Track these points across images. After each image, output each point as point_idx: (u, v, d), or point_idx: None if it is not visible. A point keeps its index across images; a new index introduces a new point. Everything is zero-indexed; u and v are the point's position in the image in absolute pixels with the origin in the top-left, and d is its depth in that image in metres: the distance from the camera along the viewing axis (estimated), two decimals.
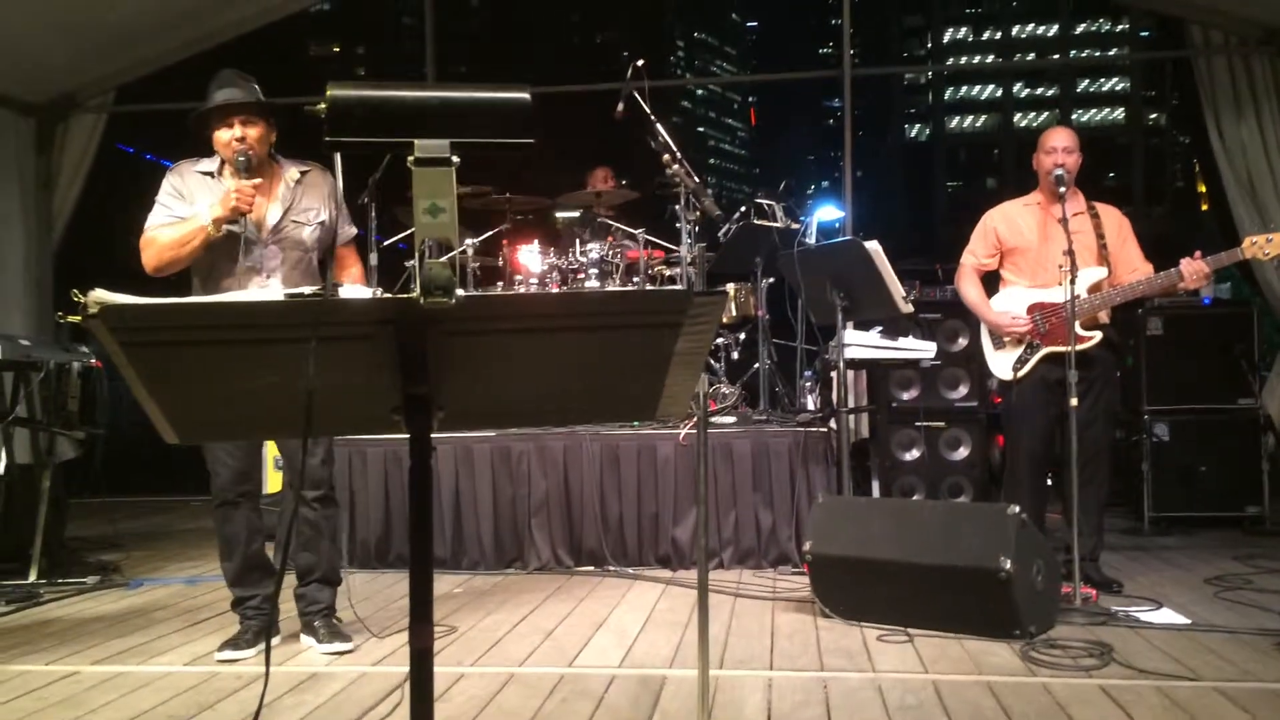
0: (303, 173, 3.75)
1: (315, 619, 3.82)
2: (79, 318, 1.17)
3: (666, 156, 4.15)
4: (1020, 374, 4.46)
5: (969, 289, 4.68)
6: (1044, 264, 4.44)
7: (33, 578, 4.84)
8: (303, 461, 1.62)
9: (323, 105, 1.21)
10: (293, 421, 1.26)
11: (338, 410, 1.40)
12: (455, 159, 1.21)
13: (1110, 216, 4.50)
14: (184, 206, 3.59)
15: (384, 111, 1.23)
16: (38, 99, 7.47)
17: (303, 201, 3.72)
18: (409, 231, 6.16)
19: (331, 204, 3.77)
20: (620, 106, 5.13)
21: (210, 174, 3.65)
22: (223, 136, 3.57)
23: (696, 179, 5.09)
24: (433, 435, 1.41)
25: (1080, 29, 77.06)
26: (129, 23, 6.98)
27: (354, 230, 3.97)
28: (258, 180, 3.53)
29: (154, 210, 3.62)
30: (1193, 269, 4.17)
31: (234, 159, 3.51)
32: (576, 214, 6.74)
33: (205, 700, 3.19)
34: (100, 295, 1.18)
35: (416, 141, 1.20)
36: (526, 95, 1.26)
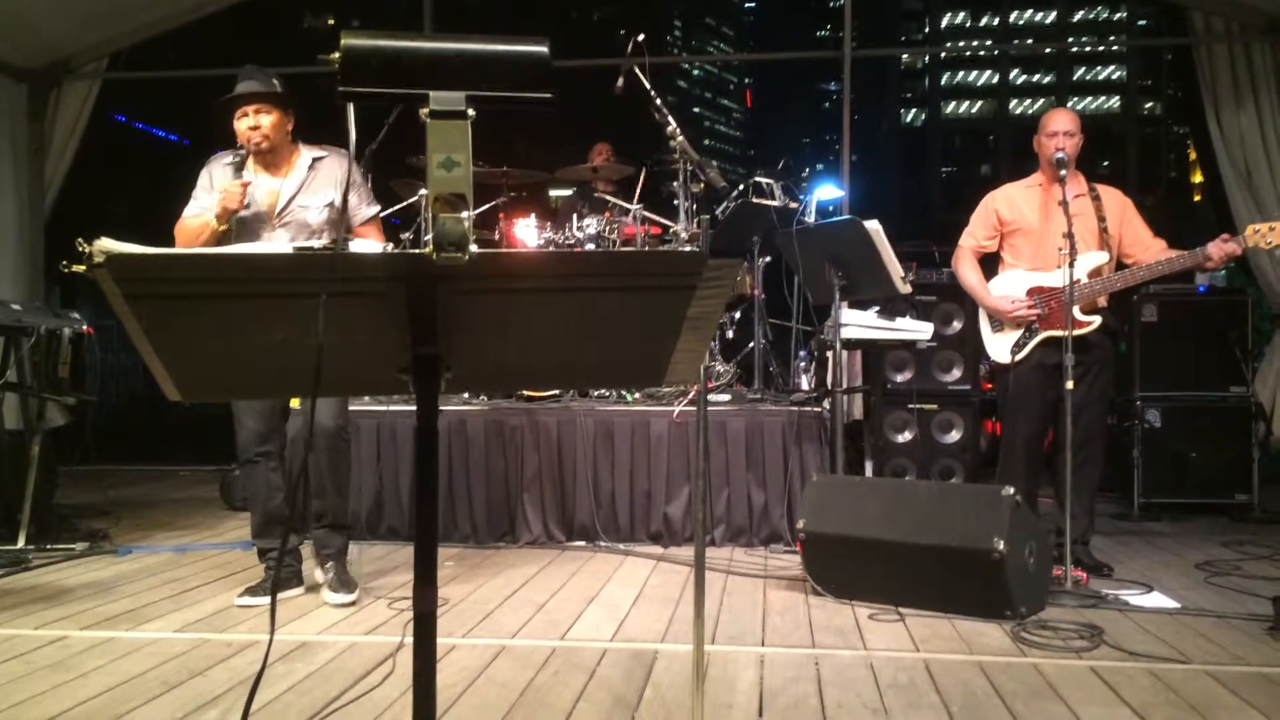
0: (317, 158, 3.96)
1: (326, 561, 4.09)
2: (83, 267, 1.15)
3: (670, 129, 4.12)
4: (1018, 358, 4.46)
5: (967, 272, 4.66)
6: (1044, 246, 4.42)
7: (21, 543, 4.82)
8: (311, 419, 1.60)
9: (336, 55, 1.19)
10: (298, 380, 1.24)
11: (344, 370, 1.37)
12: (471, 112, 1.19)
13: (1112, 198, 4.49)
14: (209, 198, 3.85)
15: (399, 62, 1.20)
16: (31, 65, 7.40)
17: (313, 185, 3.93)
18: (405, 204, 6.13)
19: (344, 186, 3.95)
20: (620, 82, 5.09)
21: (233, 164, 3.87)
22: (239, 126, 3.83)
23: (697, 155, 5.06)
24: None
25: (1078, 16, 76.90)
26: None
27: (371, 210, 4.08)
28: (246, 181, 3.80)
29: (190, 201, 3.91)
30: (1223, 250, 4.16)
31: (252, 150, 3.81)
32: (567, 193, 6.72)
33: (196, 667, 3.18)
34: (106, 244, 1.16)
35: (432, 94, 1.18)
36: (545, 48, 1.23)
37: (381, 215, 4.19)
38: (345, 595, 3.98)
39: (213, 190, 3.86)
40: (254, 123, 3.81)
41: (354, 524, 4.32)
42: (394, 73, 1.21)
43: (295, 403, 5.28)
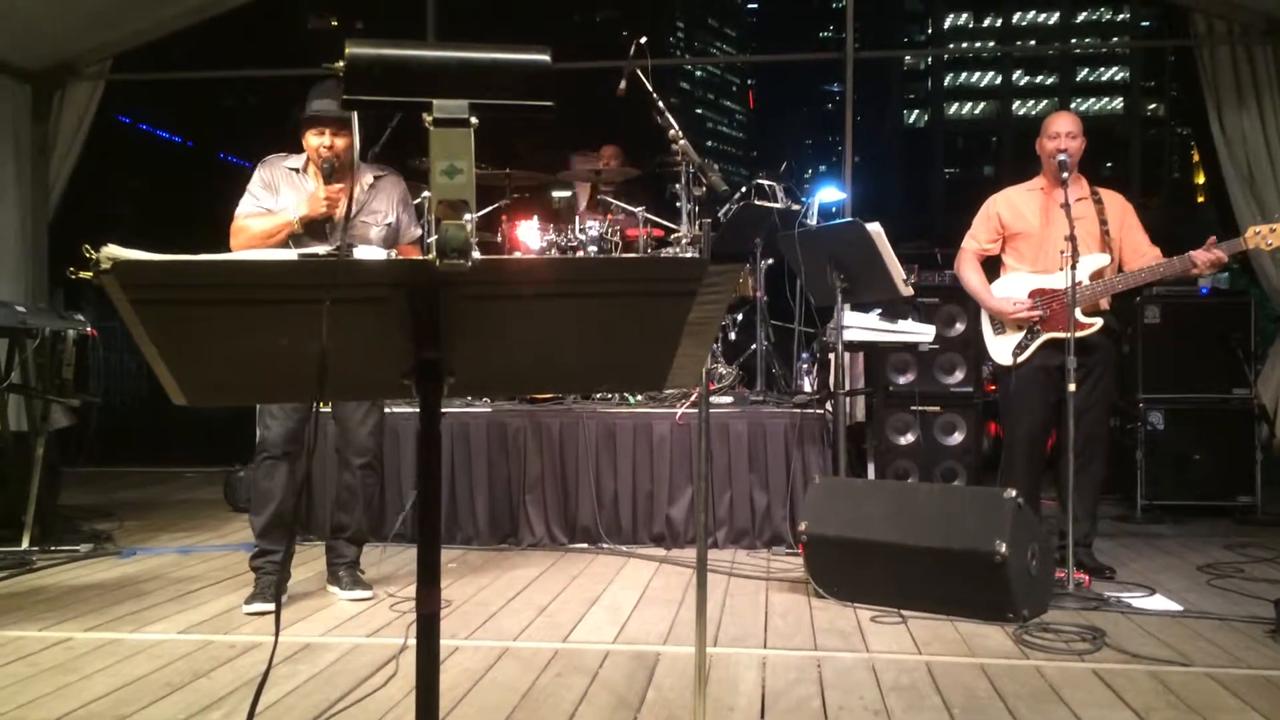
0: (377, 177, 4.12)
1: (340, 569, 4.17)
2: (90, 273, 1.16)
3: (673, 132, 4.13)
4: (1020, 360, 4.46)
5: (970, 274, 4.67)
6: (1046, 249, 4.43)
7: (25, 544, 4.83)
8: (314, 421, 1.62)
9: (340, 64, 1.20)
10: (303, 385, 1.25)
11: (348, 374, 1.39)
12: (474, 120, 1.20)
13: (1114, 202, 4.49)
14: (270, 198, 3.95)
15: (402, 71, 1.22)
16: (35, 65, 7.40)
17: (373, 204, 4.07)
18: None
19: (400, 207, 4.14)
20: (623, 84, 5.10)
21: (296, 170, 4.01)
22: (312, 141, 3.93)
23: (699, 158, 5.07)
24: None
25: (1081, 18, 76.87)
26: None
27: (417, 231, 4.29)
28: (340, 186, 3.90)
29: (244, 199, 3.96)
30: (1207, 258, 4.16)
31: (320, 165, 3.91)
32: (568, 193, 6.73)
33: (200, 668, 3.19)
34: (113, 251, 1.17)
35: (435, 102, 1.19)
36: (547, 56, 1.24)
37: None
38: (363, 592, 4.10)
39: (277, 190, 3.95)
40: (329, 142, 3.90)
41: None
42: (397, 81, 1.23)
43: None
